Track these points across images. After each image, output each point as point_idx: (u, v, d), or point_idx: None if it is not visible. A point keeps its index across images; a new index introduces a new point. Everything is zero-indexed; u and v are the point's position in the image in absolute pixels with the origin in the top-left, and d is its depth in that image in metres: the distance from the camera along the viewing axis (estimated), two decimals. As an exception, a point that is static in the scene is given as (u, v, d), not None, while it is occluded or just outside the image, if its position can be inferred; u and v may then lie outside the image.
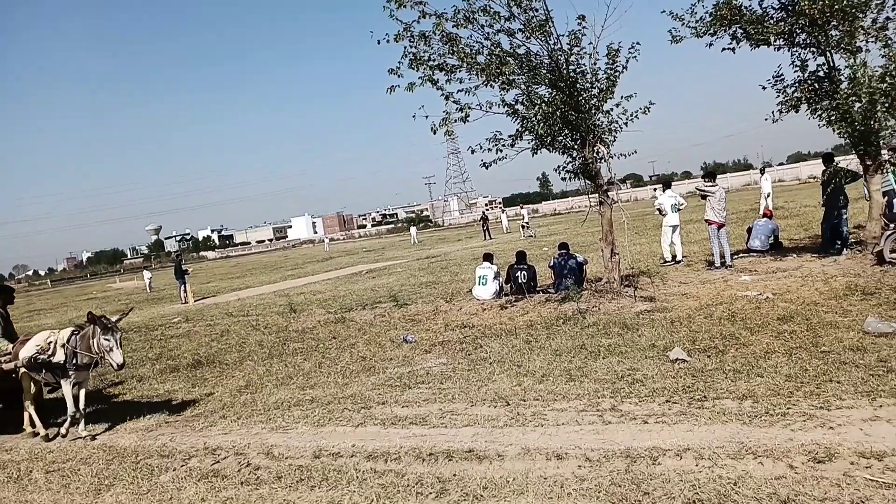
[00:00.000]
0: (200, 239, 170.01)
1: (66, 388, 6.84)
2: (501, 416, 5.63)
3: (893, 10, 10.00)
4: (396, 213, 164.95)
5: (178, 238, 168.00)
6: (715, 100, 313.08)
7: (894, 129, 10.17)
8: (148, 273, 36.63)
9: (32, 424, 7.19)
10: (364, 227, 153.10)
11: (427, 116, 9.52)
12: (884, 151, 10.78)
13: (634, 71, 10.13)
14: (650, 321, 8.27)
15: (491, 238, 35.65)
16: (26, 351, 6.97)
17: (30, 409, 7.23)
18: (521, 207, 40.95)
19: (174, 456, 5.78)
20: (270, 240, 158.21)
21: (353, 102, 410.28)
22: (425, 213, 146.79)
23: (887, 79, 9.55)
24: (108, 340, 6.55)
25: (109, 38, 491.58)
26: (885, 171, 10.80)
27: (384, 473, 4.66)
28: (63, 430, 6.92)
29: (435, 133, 9.51)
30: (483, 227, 37.56)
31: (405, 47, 9.40)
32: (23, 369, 7.08)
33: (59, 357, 6.78)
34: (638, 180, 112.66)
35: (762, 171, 21.55)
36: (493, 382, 6.67)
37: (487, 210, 56.58)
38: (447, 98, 9.53)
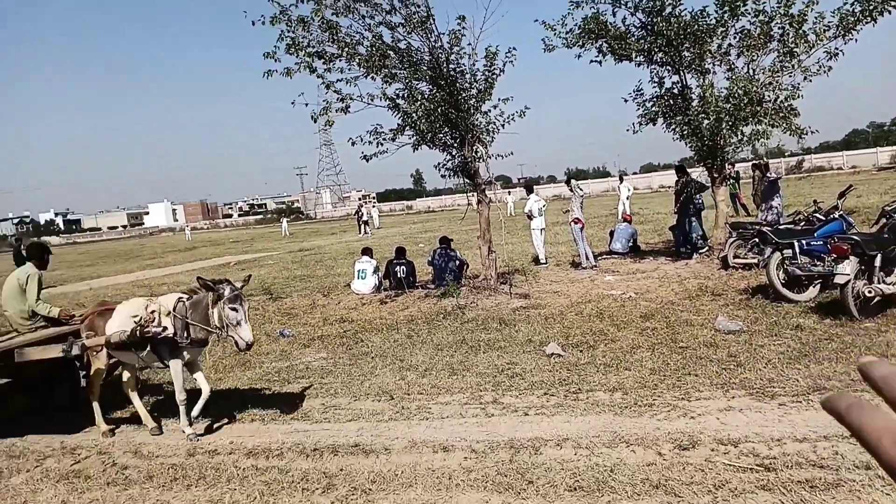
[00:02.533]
0: (42, 223, 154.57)
1: (177, 370, 5.49)
2: (386, 410, 5.62)
3: (735, 37, 11.11)
4: (265, 204, 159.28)
5: (15, 221, 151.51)
6: (583, 108, 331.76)
7: (737, 146, 11.32)
8: (-21, 258, 32.75)
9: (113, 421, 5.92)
10: (230, 216, 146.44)
11: (307, 104, 9.29)
12: (728, 166, 11.97)
13: (513, 74, 10.52)
14: (526, 317, 8.61)
15: (366, 233, 35.45)
16: (119, 324, 5.50)
17: (135, 400, 5.91)
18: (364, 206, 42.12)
19: (26, 457, 5.23)
20: (125, 226, 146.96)
21: (218, 88, 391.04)
22: (296, 204, 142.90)
23: (731, 100, 10.59)
24: (235, 311, 5.23)
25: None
26: (727, 182, 11.99)
27: (267, 470, 4.49)
28: (186, 427, 5.43)
29: (315, 122, 9.29)
30: (358, 220, 37.19)
31: (282, 31, 9.09)
32: (100, 349, 5.68)
33: (170, 330, 5.42)
34: (507, 182, 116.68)
35: (621, 179, 23.15)
36: (376, 377, 6.65)
37: (363, 204, 56.22)
38: (328, 87, 9.35)
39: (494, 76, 9.95)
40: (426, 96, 9.58)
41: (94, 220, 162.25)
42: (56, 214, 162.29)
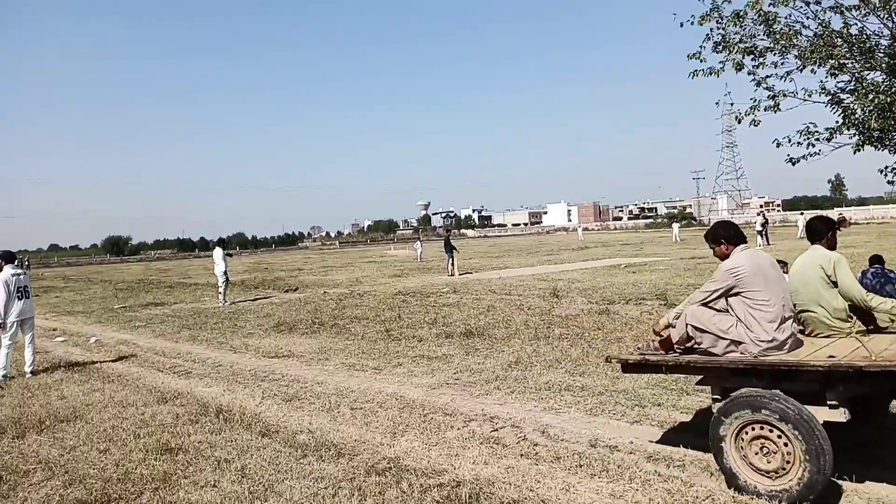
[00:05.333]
0: (462, 217, 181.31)
1: None
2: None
3: None
4: (656, 208, 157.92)
5: (443, 215, 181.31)
6: None
7: None
8: (418, 244, 40.29)
9: None
10: (620, 219, 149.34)
11: (732, 104, 8.80)
12: None
13: None
14: None
15: (769, 243, 32.21)
16: None
17: None
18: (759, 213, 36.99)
19: (456, 416, 6.20)
20: (525, 224, 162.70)
21: (611, 92, 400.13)
22: (688, 209, 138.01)
23: None
24: None
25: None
26: None
27: (669, 479, 4.44)
28: None
29: (740, 122, 8.72)
30: (761, 230, 33.94)
31: (711, 29, 8.76)
32: None
33: None
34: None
35: None
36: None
37: (764, 211, 51.17)
38: (758, 84, 8.68)
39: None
40: (881, 88, 8.17)
41: (501, 216, 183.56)
42: (473, 210, 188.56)
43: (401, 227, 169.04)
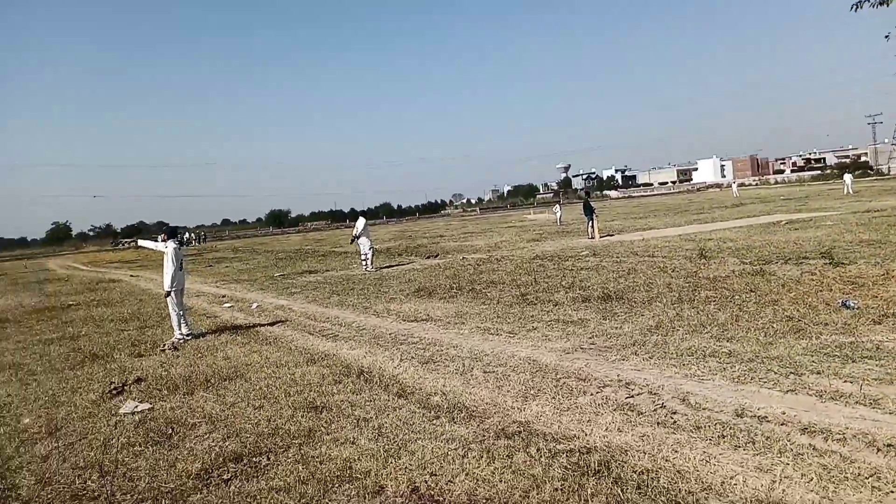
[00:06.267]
0: (605, 178, 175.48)
1: None
2: None
3: None
4: (824, 158, 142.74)
5: (584, 177, 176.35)
6: None
7: None
8: (558, 208, 39.58)
9: None
10: (782, 172, 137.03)
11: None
12: None
13: None
14: None
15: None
16: None
17: None
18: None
19: (590, 381, 6.05)
20: (673, 182, 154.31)
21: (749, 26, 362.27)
22: (863, 158, 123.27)
23: None
24: None
25: None
26: None
27: (825, 453, 4.02)
28: None
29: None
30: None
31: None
32: None
33: None
34: None
35: None
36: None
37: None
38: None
39: None
40: None
41: (647, 175, 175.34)
42: (616, 171, 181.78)
43: (541, 192, 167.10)
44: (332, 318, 11.35)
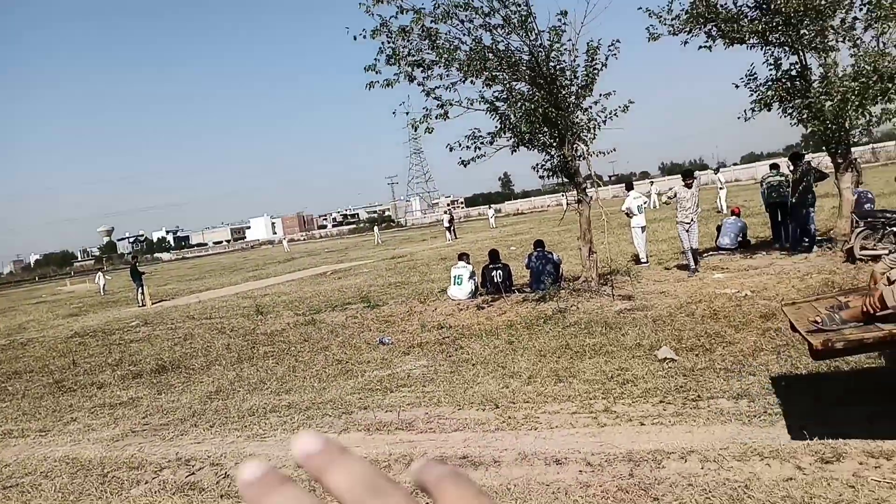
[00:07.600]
0: (155, 240, 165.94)
1: None
2: (492, 419, 5.44)
3: (860, 9, 10.19)
4: (358, 214, 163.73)
5: (131, 240, 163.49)
6: (676, 101, 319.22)
7: (864, 128, 10.36)
8: (100, 276, 35.35)
9: None
10: (325, 227, 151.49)
11: (407, 113, 9.31)
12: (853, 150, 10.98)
13: (614, 69, 10.14)
14: (632, 320, 8.19)
15: (456, 237, 35.51)
16: None
17: None
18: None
19: (144, 467, 5.42)
20: (228, 241, 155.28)
21: (312, 103, 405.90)
22: (387, 213, 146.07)
23: (858, 77, 9.70)
24: None
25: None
26: (853, 169, 10.99)
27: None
28: None
29: (416, 130, 9.30)
30: (448, 226, 37.24)
31: (382, 43, 9.16)
32: None
33: None
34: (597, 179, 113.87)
35: (716, 171, 22.06)
36: (479, 385, 6.47)
37: (451, 209, 56.45)
38: (428, 94, 9.32)
39: (596, 71, 9.65)
40: (525, 96, 9.37)
41: (201, 235, 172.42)
42: (167, 232, 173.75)
43: (80, 259, 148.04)
44: None
